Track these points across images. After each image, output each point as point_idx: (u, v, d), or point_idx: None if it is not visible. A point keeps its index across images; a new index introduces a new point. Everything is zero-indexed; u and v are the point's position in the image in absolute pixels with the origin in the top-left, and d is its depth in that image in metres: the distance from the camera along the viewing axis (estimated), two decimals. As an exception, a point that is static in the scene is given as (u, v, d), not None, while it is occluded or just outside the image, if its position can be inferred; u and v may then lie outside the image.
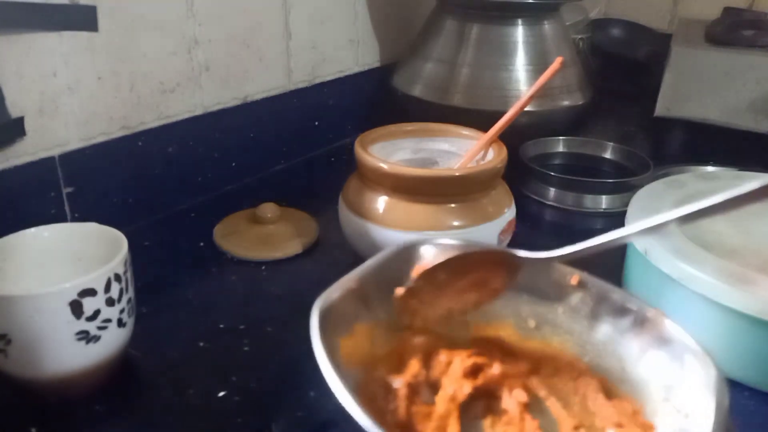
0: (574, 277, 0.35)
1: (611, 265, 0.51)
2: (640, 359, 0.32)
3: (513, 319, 0.37)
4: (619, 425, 0.31)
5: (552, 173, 0.66)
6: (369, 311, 0.33)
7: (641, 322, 0.33)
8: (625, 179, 0.66)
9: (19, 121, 0.48)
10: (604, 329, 0.34)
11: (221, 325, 0.45)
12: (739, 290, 0.38)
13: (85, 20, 0.51)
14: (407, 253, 0.36)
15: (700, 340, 0.30)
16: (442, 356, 0.34)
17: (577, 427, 0.31)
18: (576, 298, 0.35)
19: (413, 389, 0.32)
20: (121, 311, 0.37)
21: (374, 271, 0.34)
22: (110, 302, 0.36)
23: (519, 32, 0.73)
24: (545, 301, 0.36)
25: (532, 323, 0.37)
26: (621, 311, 0.34)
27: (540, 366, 0.35)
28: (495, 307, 0.37)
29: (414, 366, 0.33)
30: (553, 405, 0.33)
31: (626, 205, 0.50)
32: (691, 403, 0.29)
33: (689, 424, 0.28)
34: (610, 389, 0.33)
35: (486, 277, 0.35)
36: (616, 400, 0.32)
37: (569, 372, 0.34)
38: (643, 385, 0.32)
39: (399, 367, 0.33)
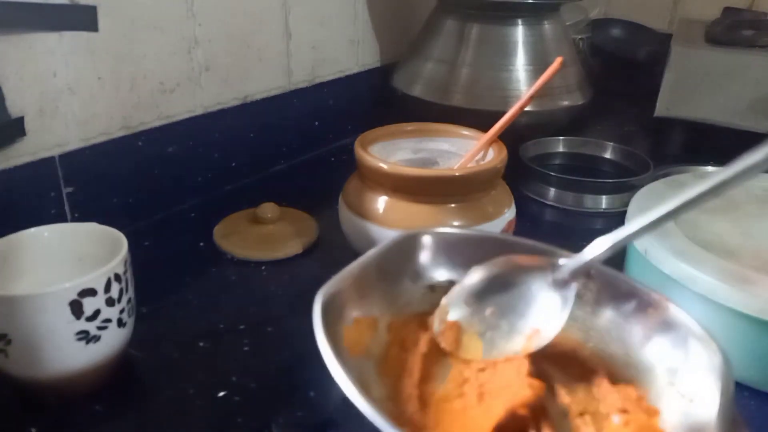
0: None
1: (611, 265, 0.51)
2: (644, 344, 0.32)
3: None
4: (623, 411, 0.31)
5: (552, 173, 0.66)
6: (372, 301, 0.33)
7: (645, 307, 0.33)
8: (625, 179, 0.66)
9: (19, 121, 0.48)
10: (608, 315, 0.34)
11: (221, 325, 0.45)
12: (739, 290, 0.38)
13: (85, 20, 0.51)
14: (409, 244, 0.36)
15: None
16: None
17: (582, 414, 0.31)
18: (578, 283, 0.35)
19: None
20: (121, 311, 0.37)
21: (377, 262, 0.34)
22: (110, 302, 0.36)
23: (519, 32, 0.73)
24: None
25: None
26: (624, 296, 0.34)
27: (544, 353, 0.34)
28: None
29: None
30: (558, 391, 0.33)
31: (626, 205, 0.50)
32: (695, 387, 0.29)
33: (694, 409, 0.28)
34: (614, 375, 0.33)
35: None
36: (620, 386, 0.32)
37: (573, 358, 0.34)
38: (648, 370, 0.32)
39: (404, 354, 0.33)
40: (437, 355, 0.34)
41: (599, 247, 0.31)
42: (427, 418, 0.30)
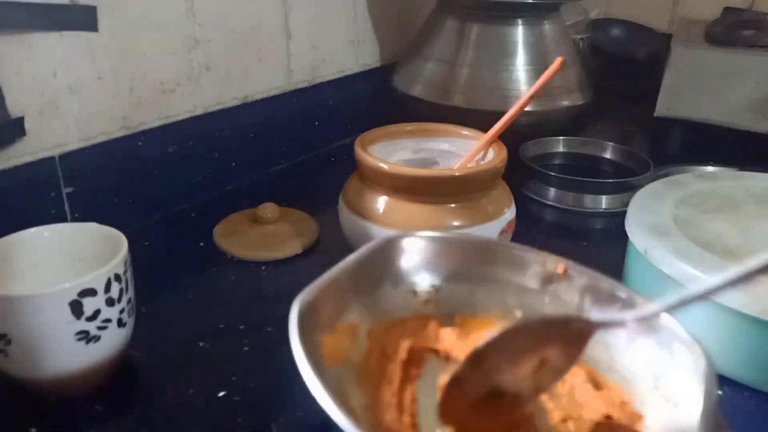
0: (560, 266, 0.35)
1: (611, 265, 0.51)
2: (628, 348, 0.32)
3: (499, 309, 0.36)
4: (607, 417, 0.30)
5: (552, 173, 0.66)
6: (352, 308, 0.33)
7: (629, 310, 0.32)
8: (625, 179, 0.66)
9: (19, 121, 0.48)
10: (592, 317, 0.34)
11: (221, 325, 0.45)
12: (739, 290, 0.38)
13: (85, 20, 0.51)
14: (389, 247, 0.36)
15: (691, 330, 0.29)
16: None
17: (564, 420, 0.31)
18: (562, 287, 0.35)
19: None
20: (121, 311, 0.37)
21: (356, 267, 0.33)
22: (110, 302, 0.36)
23: (519, 32, 0.73)
24: (532, 290, 0.36)
25: (518, 313, 0.36)
26: (608, 299, 0.33)
27: None
28: (481, 298, 0.37)
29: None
30: (540, 397, 0.32)
31: (626, 205, 0.50)
32: (679, 392, 0.28)
33: (678, 413, 0.28)
34: (598, 379, 0.33)
35: (547, 350, 0.30)
36: (604, 391, 0.32)
37: None
38: (632, 374, 0.31)
39: (384, 361, 0.33)
40: (417, 362, 0.33)
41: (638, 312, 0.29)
42: (406, 427, 0.30)
